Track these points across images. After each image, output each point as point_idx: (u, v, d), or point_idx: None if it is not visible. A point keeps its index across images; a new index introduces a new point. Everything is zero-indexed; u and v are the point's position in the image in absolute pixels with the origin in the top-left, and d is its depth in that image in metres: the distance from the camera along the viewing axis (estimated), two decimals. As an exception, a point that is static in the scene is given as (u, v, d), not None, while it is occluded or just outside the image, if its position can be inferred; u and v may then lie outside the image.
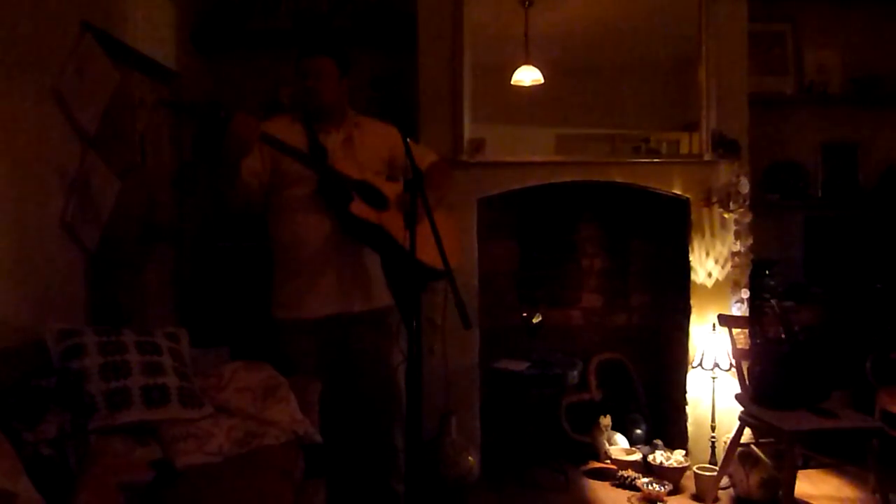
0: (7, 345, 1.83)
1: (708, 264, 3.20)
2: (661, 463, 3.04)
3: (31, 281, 2.08)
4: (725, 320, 2.96)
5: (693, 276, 3.21)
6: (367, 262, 2.39)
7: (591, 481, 3.14)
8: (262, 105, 3.40)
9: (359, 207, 2.23)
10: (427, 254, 1.91)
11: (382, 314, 2.46)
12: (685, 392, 3.23)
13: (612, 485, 3.07)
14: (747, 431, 2.79)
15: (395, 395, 2.46)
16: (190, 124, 3.10)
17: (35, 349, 1.82)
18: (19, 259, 2.03)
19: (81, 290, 2.34)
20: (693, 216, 3.20)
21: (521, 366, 3.11)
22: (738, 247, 3.17)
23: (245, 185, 2.20)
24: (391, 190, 2.34)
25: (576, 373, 3.18)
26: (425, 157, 2.47)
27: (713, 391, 3.07)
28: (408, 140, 2.01)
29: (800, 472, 2.53)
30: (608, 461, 3.21)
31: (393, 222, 2.27)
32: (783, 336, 2.73)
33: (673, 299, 3.42)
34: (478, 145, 3.16)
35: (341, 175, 2.26)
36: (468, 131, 3.14)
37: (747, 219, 3.17)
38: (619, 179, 3.21)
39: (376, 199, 2.30)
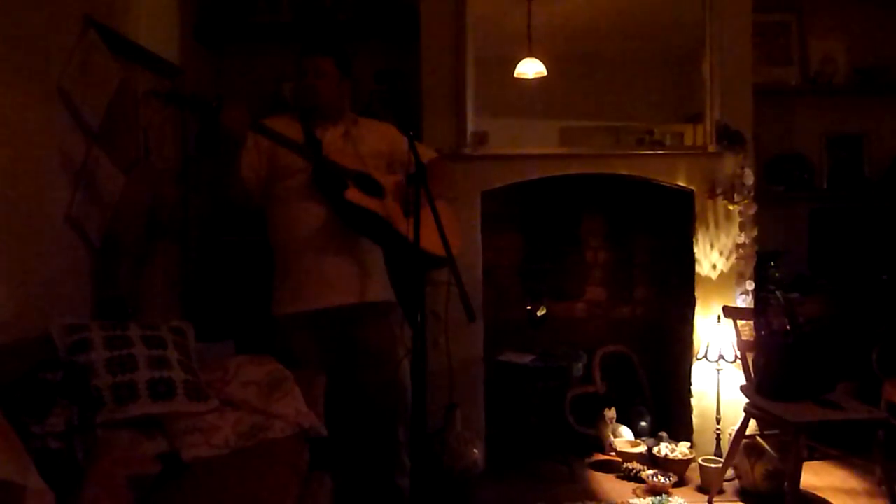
0: (14, 339, 1.84)
1: (713, 256, 3.20)
2: (666, 455, 3.05)
3: (37, 276, 2.09)
4: (730, 312, 2.96)
5: (698, 269, 3.21)
6: (366, 255, 2.39)
7: (596, 473, 3.14)
8: (264, 99, 3.42)
9: (354, 194, 2.23)
10: (427, 239, 1.90)
11: (383, 309, 2.46)
12: (690, 384, 3.23)
13: (617, 477, 3.08)
14: (752, 423, 2.79)
15: (397, 390, 2.47)
16: (193, 118, 3.10)
17: (42, 344, 1.83)
18: (25, 254, 2.03)
19: (87, 284, 2.35)
20: (697, 208, 3.19)
21: (525, 358, 3.12)
22: (742, 238, 3.16)
23: (244, 179, 2.23)
24: (389, 180, 2.34)
25: (580, 365, 3.19)
26: (425, 154, 2.46)
27: (718, 383, 3.07)
28: (412, 135, 2.03)
29: (805, 463, 2.52)
30: (613, 453, 3.22)
31: (390, 209, 2.27)
32: (788, 328, 2.72)
33: (677, 291, 3.41)
34: (481, 138, 3.15)
35: (336, 164, 2.27)
36: (471, 124, 3.14)
37: (752, 210, 3.16)
38: (623, 172, 3.20)
39: (373, 188, 2.30)
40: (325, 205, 2.29)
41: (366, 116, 2.62)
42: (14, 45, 1.98)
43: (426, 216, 1.91)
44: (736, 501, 2.84)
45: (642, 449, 3.14)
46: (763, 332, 2.77)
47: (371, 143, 2.42)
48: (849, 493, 2.90)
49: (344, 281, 2.37)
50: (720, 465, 2.86)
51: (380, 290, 2.45)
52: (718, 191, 3.16)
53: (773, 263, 3.41)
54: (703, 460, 2.96)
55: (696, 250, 3.21)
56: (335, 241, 2.32)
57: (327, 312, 2.36)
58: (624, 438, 3.24)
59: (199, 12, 3.34)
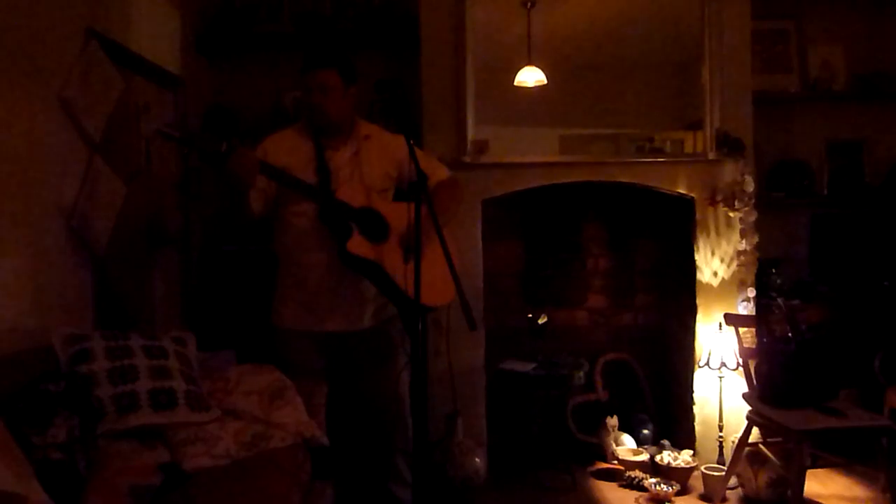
0: (16, 349, 1.84)
1: (714, 263, 3.20)
2: (669, 463, 3.03)
3: (40, 286, 2.09)
4: (732, 319, 2.95)
5: (699, 276, 3.20)
6: (369, 283, 2.37)
7: (598, 482, 3.13)
8: (265, 109, 3.43)
9: (356, 245, 2.21)
10: (428, 290, 1.85)
11: (384, 325, 2.46)
12: (692, 392, 3.22)
13: (620, 485, 3.06)
14: (755, 431, 2.78)
15: (396, 401, 2.47)
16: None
17: (43, 354, 1.84)
18: (28, 264, 2.04)
19: (89, 294, 2.35)
20: (698, 215, 3.19)
21: (527, 367, 3.11)
22: (743, 245, 3.16)
23: (251, 205, 2.21)
24: (395, 214, 2.30)
25: (582, 373, 3.17)
26: (436, 171, 2.45)
27: (720, 390, 3.06)
28: (412, 143, 2.02)
29: (808, 471, 2.52)
30: (615, 462, 3.21)
31: (391, 256, 2.25)
32: (790, 335, 2.71)
33: (679, 299, 3.41)
34: (481, 146, 3.16)
35: (342, 205, 2.24)
36: (472, 132, 3.14)
37: (752, 217, 3.15)
38: (623, 179, 3.20)
39: (377, 230, 2.28)
40: (331, 238, 2.27)
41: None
42: (16, 56, 1.99)
43: (430, 255, 1.85)
44: (739, 510, 2.84)
45: (644, 457, 3.13)
46: (765, 339, 2.77)
47: (380, 164, 2.40)
48: (852, 500, 2.89)
49: (348, 309, 2.37)
50: (723, 474, 2.85)
51: (383, 312, 2.44)
52: (719, 198, 3.16)
53: (774, 270, 3.40)
54: (705, 468, 2.95)
55: (697, 257, 3.21)
56: (340, 271, 2.30)
57: (329, 334, 2.38)
58: (626, 447, 3.23)
59: (200, 23, 3.36)
